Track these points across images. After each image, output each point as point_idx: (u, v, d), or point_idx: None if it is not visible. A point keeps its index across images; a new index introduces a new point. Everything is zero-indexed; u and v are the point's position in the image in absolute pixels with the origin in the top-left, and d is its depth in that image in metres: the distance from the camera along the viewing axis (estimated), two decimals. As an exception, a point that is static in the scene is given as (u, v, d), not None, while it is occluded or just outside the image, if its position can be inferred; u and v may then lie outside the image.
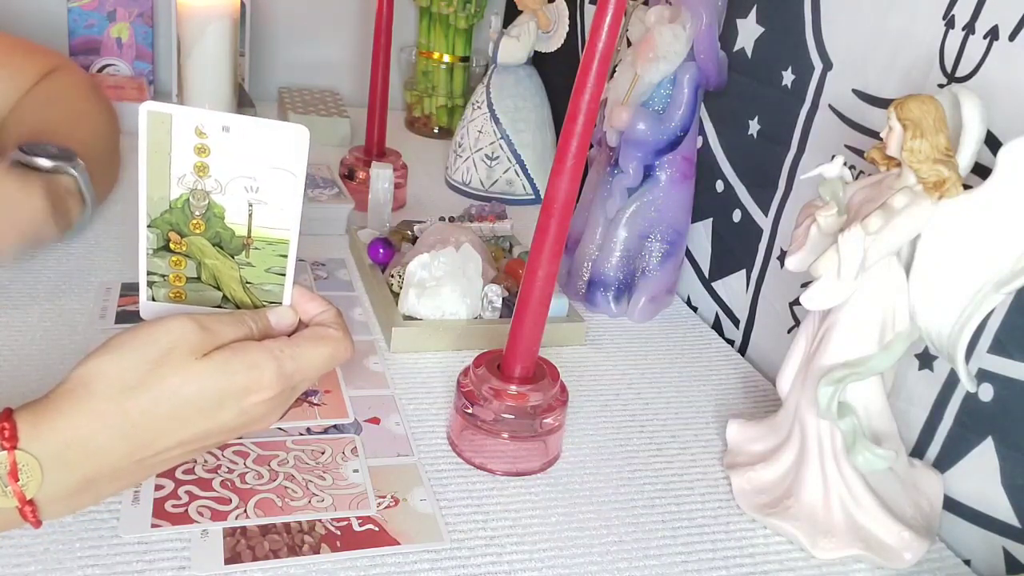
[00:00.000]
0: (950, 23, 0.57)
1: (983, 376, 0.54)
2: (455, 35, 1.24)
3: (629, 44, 0.81)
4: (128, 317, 0.68)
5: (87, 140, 0.81)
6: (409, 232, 0.82)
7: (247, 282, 0.48)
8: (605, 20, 0.48)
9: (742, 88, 0.79)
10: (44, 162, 0.73)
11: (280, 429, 0.57)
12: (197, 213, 0.46)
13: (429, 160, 1.14)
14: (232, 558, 0.46)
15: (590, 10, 1.08)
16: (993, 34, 0.54)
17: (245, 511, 0.49)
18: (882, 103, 0.64)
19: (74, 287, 0.71)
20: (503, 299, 0.72)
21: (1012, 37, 0.53)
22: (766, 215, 0.77)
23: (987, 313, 0.47)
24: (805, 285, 0.52)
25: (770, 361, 0.75)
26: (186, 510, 0.49)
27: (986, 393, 0.54)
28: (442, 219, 0.85)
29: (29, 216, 0.69)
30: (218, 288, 0.48)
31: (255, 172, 0.45)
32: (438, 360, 0.69)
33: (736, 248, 0.81)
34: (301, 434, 0.57)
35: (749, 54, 0.78)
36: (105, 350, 0.42)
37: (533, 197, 1.06)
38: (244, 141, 0.44)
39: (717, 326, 0.83)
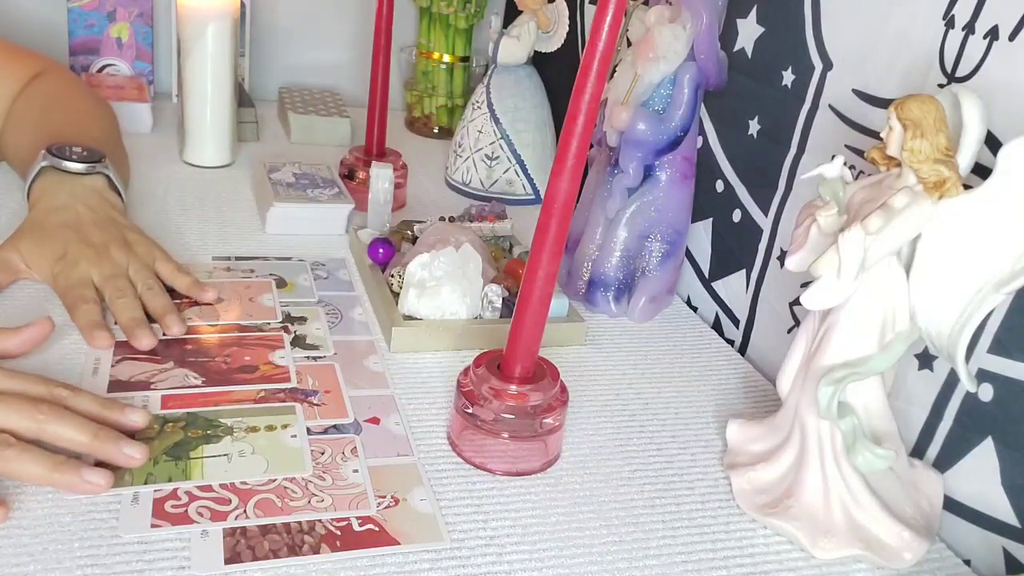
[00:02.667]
0: (950, 23, 0.57)
1: (983, 376, 0.54)
2: (455, 35, 1.24)
3: (629, 44, 0.81)
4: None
5: (100, 138, 0.81)
6: (409, 232, 0.82)
7: None
8: (605, 20, 0.48)
9: (742, 88, 0.79)
10: (76, 166, 0.73)
11: (280, 429, 0.57)
12: None
13: (429, 160, 1.14)
14: (232, 558, 0.46)
15: (590, 10, 1.08)
16: (993, 34, 0.54)
17: (245, 511, 0.49)
18: (882, 103, 0.64)
19: (74, 287, 0.71)
20: (503, 299, 0.72)
21: (1012, 37, 0.53)
22: (766, 215, 0.77)
23: (987, 313, 0.48)
24: (805, 285, 0.52)
25: (770, 361, 0.75)
26: (186, 510, 0.49)
27: (986, 393, 0.54)
28: (442, 219, 0.85)
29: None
30: None
31: None
32: (438, 360, 0.69)
33: (736, 248, 0.81)
34: (301, 434, 0.57)
35: (749, 54, 0.78)
36: None
37: (533, 197, 1.06)
38: None
39: (717, 326, 0.83)
